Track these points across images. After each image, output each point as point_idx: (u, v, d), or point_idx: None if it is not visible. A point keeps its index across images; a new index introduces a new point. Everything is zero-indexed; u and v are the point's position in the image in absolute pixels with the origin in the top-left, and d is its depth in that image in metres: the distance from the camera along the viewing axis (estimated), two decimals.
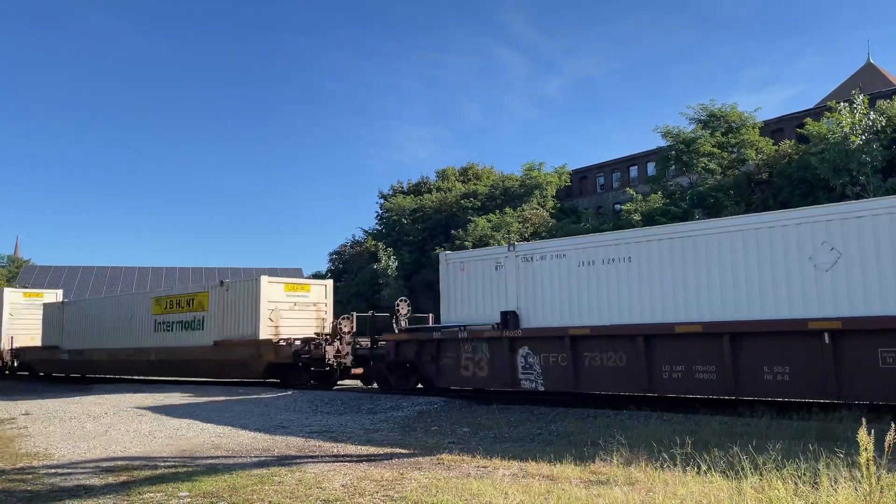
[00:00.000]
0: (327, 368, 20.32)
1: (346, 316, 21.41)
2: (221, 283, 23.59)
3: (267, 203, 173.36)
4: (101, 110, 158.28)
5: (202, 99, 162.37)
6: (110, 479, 8.17)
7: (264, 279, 22.08)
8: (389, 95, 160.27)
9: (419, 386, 18.42)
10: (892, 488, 5.37)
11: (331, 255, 70.35)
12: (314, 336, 21.23)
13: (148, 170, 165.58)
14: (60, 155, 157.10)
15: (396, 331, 18.76)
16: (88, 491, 7.57)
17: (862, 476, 5.08)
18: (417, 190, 66.48)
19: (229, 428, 12.60)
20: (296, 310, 22.63)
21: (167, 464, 9.18)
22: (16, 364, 33.12)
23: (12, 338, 32.94)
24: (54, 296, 34.86)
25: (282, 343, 21.13)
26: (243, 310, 22.41)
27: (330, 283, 24.64)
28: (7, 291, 34.00)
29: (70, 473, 8.69)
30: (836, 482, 5.52)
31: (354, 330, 21.07)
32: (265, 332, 21.53)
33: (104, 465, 9.23)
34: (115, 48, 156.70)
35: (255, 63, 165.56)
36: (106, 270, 68.84)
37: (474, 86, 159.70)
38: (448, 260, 17.62)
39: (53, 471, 8.90)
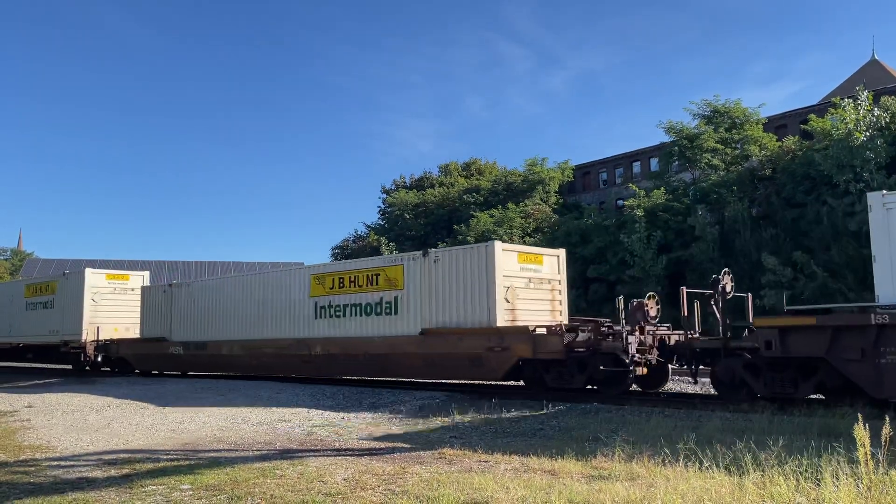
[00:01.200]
0: (625, 368, 14.52)
1: (651, 294, 16.05)
2: (425, 252, 18.00)
3: (268, 197, 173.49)
4: (105, 105, 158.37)
5: (206, 93, 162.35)
6: (113, 472, 8.19)
7: (498, 245, 16.75)
8: (393, 90, 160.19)
9: (817, 396, 12.96)
10: (893, 484, 5.37)
11: (333, 249, 70.34)
12: (589, 323, 15.74)
13: (151, 164, 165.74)
14: (64, 149, 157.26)
15: (717, 313, 14.23)
16: (91, 483, 7.60)
17: (862, 472, 5.09)
18: (420, 185, 66.42)
19: (231, 421, 12.63)
20: (531, 288, 17.41)
21: (169, 457, 9.21)
22: (99, 359, 26.95)
23: (98, 328, 26.92)
24: (140, 279, 28.87)
25: (542, 332, 15.57)
26: (465, 287, 16.78)
27: (563, 252, 18.77)
28: (89, 273, 27.71)
29: (73, 466, 8.72)
30: (837, 478, 5.52)
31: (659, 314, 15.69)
32: (502, 318, 16.33)
33: (106, 457, 9.26)
34: (119, 43, 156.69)
35: (259, 57, 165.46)
36: (108, 264, 68.87)
37: (478, 80, 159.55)
38: (889, 203, 12.02)
39: (56, 463, 8.93)
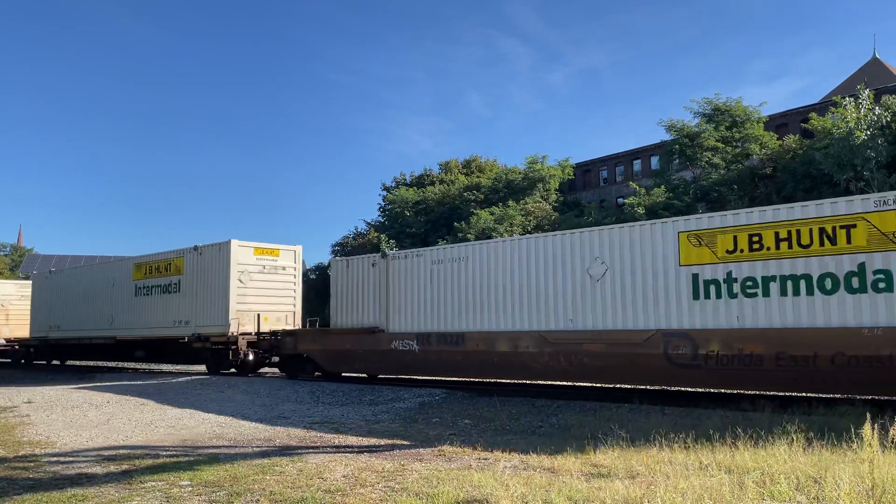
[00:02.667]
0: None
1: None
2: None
3: (268, 193, 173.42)
4: (104, 102, 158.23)
5: (206, 90, 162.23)
6: (112, 468, 8.18)
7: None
8: (394, 87, 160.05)
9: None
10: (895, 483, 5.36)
11: (333, 246, 70.27)
12: None
13: (150, 160, 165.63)
14: (63, 145, 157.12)
15: None
16: (90, 479, 7.59)
17: (864, 470, 5.07)
18: (420, 182, 66.39)
19: (231, 418, 12.62)
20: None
21: (169, 453, 9.20)
22: (250, 357, 21.18)
23: (259, 315, 21.43)
24: (292, 254, 23.06)
25: None
26: None
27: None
28: (234, 245, 21.66)
29: (72, 462, 8.71)
30: (838, 476, 5.51)
31: None
32: None
33: (106, 453, 9.25)
34: (119, 40, 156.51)
35: (259, 54, 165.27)
36: (109, 259, 68.88)
37: (479, 77, 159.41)
38: None
39: (55, 459, 8.92)
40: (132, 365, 29.45)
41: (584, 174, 65.97)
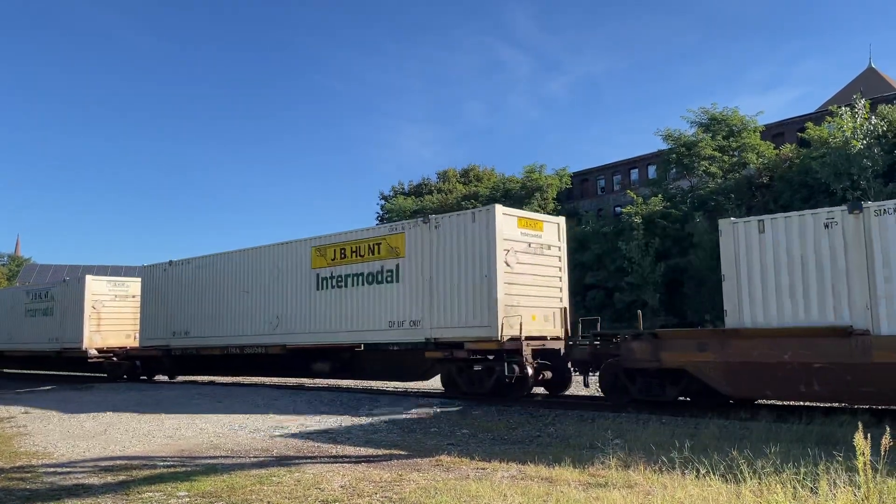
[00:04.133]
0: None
1: None
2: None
3: (266, 201, 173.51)
4: (103, 110, 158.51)
5: (204, 97, 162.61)
6: (109, 479, 8.17)
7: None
8: (392, 95, 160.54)
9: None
10: (891, 493, 5.38)
11: None
12: None
13: (149, 169, 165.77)
14: (62, 154, 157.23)
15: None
16: (87, 490, 7.58)
17: (860, 480, 5.08)
18: (418, 191, 66.53)
19: (228, 428, 12.60)
20: None
21: (166, 463, 9.19)
22: (529, 371, 14.95)
23: (524, 314, 15.32)
24: (555, 228, 17.03)
25: None
26: None
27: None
28: (499, 212, 15.62)
29: (69, 472, 8.70)
30: (835, 486, 5.52)
31: None
32: None
33: (103, 464, 9.23)
34: (118, 47, 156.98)
35: (258, 62, 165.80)
36: (107, 270, 68.88)
37: (478, 86, 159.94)
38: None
39: (52, 469, 8.91)
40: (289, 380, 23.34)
41: (582, 183, 66.12)
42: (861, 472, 4.89)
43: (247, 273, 21.62)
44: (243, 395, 18.17)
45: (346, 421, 13.41)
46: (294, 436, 11.55)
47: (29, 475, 8.54)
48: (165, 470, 8.71)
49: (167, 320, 24.44)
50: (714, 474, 6.60)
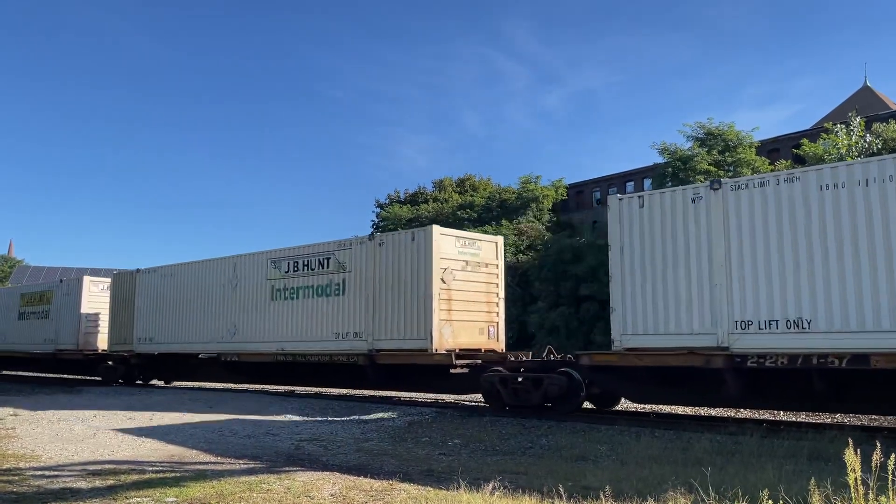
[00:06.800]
0: None
1: None
2: None
3: (261, 207, 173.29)
4: (97, 112, 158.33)
5: (201, 102, 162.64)
6: (97, 483, 8.10)
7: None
8: (390, 103, 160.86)
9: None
10: None
11: None
12: None
13: (143, 173, 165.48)
14: (56, 157, 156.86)
15: None
16: (75, 494, 7.51)
17: (851, 497, 5.07)
18: (414, 200, 66.56)
19: (218, 434, 12.52)
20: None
21: (155, 468, 9.12)
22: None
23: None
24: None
25: None
26: None
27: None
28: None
29: (57, 476, 8.62)
30: (828, 502, 5.50)
31: None
32: None
33: (91, 468, 9.15)
34: (115, 51, 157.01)
35: (256, 69, 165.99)
36: (99, 272, 68.56)
37: (475, 96, 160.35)
38: None
39: (40, 473, 8.83)
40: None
41: (577, 195, 66.33)
42: (853, 489, 4.88)
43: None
44: (234, 401, 18.07)
45: (337, 428, 13.34)
46: (284, 442, 11.48)
47: (16, 478, 8.46)
48: (154, 475, 8.64)
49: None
50: (706, 490, 6.58)
